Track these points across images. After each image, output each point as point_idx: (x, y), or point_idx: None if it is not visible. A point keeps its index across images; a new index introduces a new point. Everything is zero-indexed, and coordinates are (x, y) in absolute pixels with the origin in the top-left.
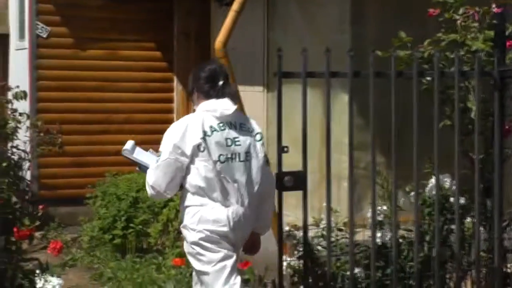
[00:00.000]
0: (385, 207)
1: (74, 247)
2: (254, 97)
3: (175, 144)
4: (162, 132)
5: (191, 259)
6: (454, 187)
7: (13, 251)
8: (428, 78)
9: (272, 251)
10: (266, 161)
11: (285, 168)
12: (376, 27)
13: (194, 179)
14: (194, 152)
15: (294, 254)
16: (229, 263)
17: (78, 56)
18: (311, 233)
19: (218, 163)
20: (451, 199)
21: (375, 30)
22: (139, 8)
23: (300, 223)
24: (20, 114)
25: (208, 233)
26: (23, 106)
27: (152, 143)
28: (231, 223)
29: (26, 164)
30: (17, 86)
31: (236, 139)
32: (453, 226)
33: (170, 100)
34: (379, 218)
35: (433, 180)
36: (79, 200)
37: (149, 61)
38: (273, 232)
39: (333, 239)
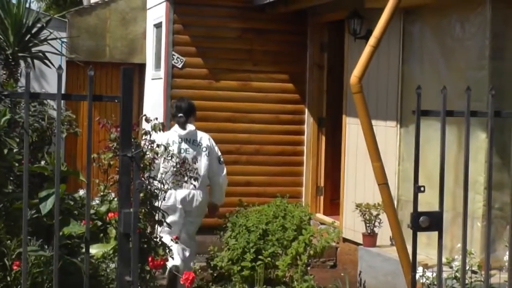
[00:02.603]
0: None
1: (202, 276)
2: (387, 132)
3: None
4: (292, 164)
5: None
6: None
7: (147, 279)
8: None
9: None
10: (218, 160)
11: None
12: None
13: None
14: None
15: None
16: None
17: (211, 86)
18: (444, 274)
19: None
20: None
21: None
22: (273, 40)
23: (430, 262)
24: (158, 146)
25: (165, 207)
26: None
27: (282, 174)
28: (178, 200)
29: (162, 195)
30: (156, 118)
31: (187, 150)
32: None
33: (301, 132)
34: None
35: None
36: (209, 229)
37: (281, 93)
38: (404, 270)
39: (467, 281)
